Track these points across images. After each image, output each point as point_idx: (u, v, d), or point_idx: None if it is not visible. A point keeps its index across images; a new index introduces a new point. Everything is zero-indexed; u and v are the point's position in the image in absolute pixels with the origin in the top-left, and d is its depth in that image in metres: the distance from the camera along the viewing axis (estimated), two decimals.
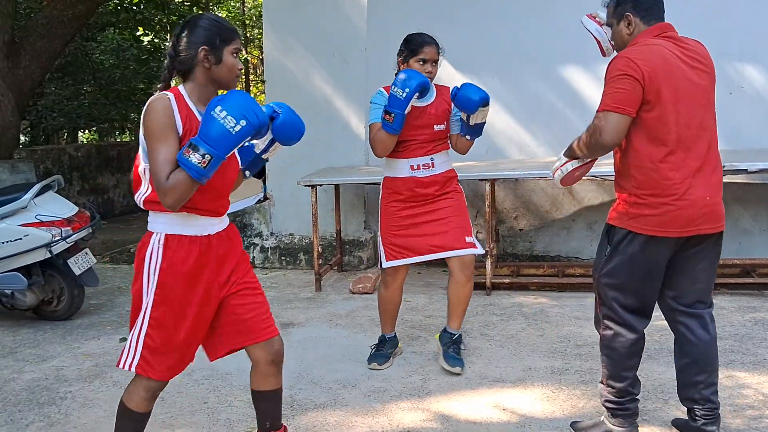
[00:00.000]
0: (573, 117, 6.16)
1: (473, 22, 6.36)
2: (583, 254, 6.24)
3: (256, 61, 17.95)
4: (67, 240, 4.88)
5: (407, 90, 3.49)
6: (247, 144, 2.62)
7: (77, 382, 3.91)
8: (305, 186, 5.81)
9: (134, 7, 12.65)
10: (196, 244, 2.47)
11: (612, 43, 3.02)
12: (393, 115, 3.55)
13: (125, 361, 2.47)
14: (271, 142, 2.66)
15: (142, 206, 2.50)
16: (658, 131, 2.69)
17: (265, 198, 6.91)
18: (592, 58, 6.16)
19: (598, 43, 3.11)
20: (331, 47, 6.59)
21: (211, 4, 16.65)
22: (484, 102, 3.62)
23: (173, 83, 2.53)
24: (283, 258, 6.76)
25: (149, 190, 2.43)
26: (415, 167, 3.79)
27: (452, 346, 3.92)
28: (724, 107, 5.86)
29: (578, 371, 3.84)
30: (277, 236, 6.81)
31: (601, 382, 3.02)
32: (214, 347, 2.64)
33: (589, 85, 6.14)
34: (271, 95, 6.87)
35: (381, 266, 3.92)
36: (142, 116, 2.38)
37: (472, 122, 3.73)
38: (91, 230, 5.14)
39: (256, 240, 6.84)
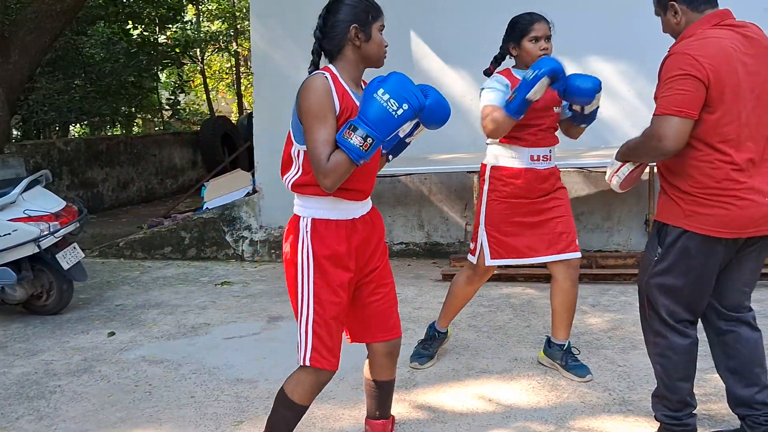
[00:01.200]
0: None
1: (461, 14, 6.36)
2: None
3: (246, 53, 17.89)
4: (55, 234, 4.88)
5: (537, 72, 3.14)
6: None
7: (66, 377, 3.92)
8: None
9: (123, 0, 12.61)
10: (342, 228, 2.45)
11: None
12: (515, 95, 3.23)
13: (300, 356, 2.44)
14: (416, 126, 2.61)
15: (290, 188, 2.48)
16: (720, 131, 2.52)
17: (254, 191, 6.92)
18: (581, 51, 6.21)
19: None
20: None
21: None
22: (599, 87, 3.33)
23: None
24: (272, 251, 6.77)
25: (299, 173, 2.42)
26: (536, 158, 3.49)
27: (569, 357, 3.71)
28: None
29: None
30: (266, 229, 6.82)
31: (655, 396, 2.86)
32: (352, 332, 2.66)
33: None
34: (259, 88, 6.88)
35: (477, 261, 3.62)
36: (298, 95, 2.35)
37: (587, 111, 3.46)
38: (79, 225, 5.15)
39: (245, 233, 6.85)
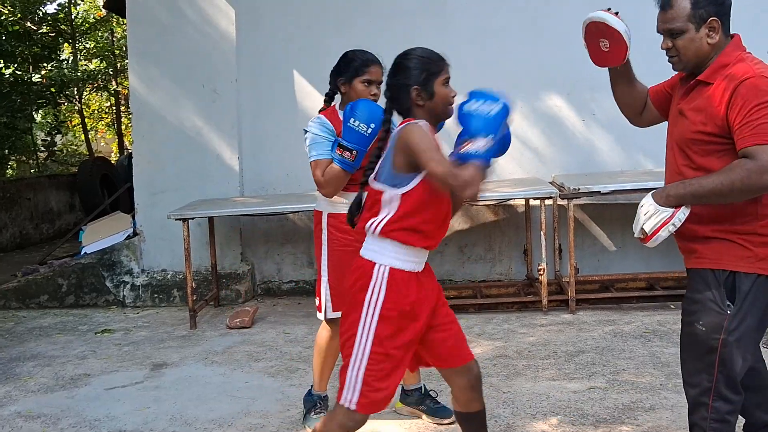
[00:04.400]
0: None
1: (342, 52, 6.46)
2: (456, 276, 6.42)
3: (127, 92, 17.45)
4: None
5: (372, 125, 3.04)
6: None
7: None
8: (176, 220, 5.70)
9: None
10: (413, 280, 2.47)
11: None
12: (355, 152, 3.10)
13: (346, 397, 2.42)
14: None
15: (376, 233, 2.45)
16: None
17: (135, 233, 6.73)
18: None
19: (625, 42, 2.51)
20: (200, 78, 6.54)
21: (77, 35, 16.14)
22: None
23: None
24: (156, 295, 6.57)
25: (389, 215, 2.43)
26: None
27: (430, 400, 3.60)
28: (579, 133, 6.31)
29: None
30: (148, 273, 6.62)
31: None
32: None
33: None
34: (138, 128, 6.72)
35: (326, 316, 3.39)
36: (398, 140, 2.40)
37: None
38: None
39: (126, 278, 6.62)
